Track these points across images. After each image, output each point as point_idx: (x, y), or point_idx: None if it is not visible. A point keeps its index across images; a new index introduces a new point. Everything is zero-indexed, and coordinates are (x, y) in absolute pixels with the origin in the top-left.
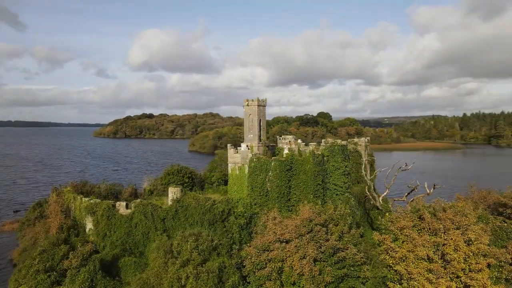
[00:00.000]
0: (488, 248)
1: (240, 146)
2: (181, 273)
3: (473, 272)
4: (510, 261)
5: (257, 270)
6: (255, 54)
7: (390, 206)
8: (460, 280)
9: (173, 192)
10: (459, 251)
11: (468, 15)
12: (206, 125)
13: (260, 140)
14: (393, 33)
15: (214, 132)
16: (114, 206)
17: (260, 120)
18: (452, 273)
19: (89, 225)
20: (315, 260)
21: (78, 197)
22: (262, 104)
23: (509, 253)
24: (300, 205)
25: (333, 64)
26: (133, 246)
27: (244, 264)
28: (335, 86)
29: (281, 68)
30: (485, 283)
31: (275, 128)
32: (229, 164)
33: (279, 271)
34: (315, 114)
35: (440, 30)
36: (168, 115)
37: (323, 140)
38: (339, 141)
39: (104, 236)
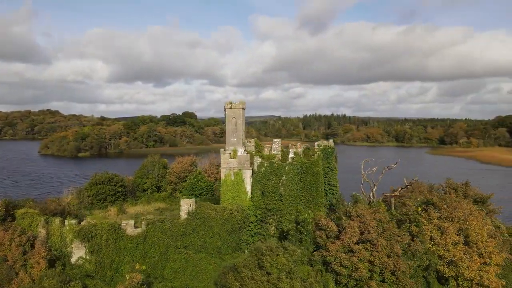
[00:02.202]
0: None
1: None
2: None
3: (490, 252)
4: None
5: (351, 273)
6: (95, 46)
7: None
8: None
9: (188, 204)
10: (479, 234)
11: (299, 28)
12: (45, 124)
13: (243, 144)
14: (238, 37)
15: (74, 133)
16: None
17: (242, 123)
18: (478, 254)
19: (78, 253)
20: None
21: (55, 220)
22: (244, 107)
23: None
24: (310, 207)
25: (181, 63)
26: (150, 269)
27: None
28: (181, 85)
29: (125, 64)
30: (498, 260)
31: (142, 128)
32: (223, 170)
33: (370, 271)
34: (160, 113)
35: (277, 39)
36: None
37: (316, 143)
38: (326, 142)
39: (111, 263)
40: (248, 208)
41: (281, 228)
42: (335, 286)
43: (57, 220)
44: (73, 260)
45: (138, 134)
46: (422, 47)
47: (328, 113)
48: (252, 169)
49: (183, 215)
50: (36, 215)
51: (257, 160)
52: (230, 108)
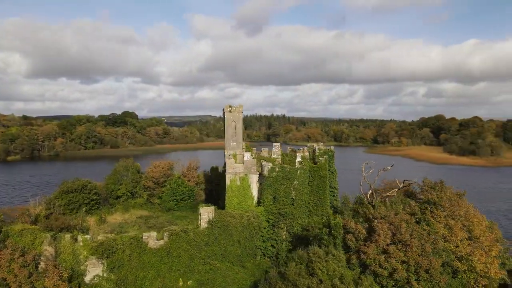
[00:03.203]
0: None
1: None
2: None
3: (491, 246)
4: None
5: (390, 274)
6: (12, 37)
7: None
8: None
9: (208, 213)
10: (481, 229)
11: (236, 29)
12: None
13: (242, 148)
14: (174, 35)
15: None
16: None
17: (241, 127)
18: (481, 248)
19: (94, 271)
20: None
21: (65, 235)
22: (242, 111)
23: None
24: (318, 210)
25: (111, 60)
26: (170, 282)
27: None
28: (111, 83)
29: (47, 58)
30: (496, 252)
31: (80, 128)
32: (228, 175)
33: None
34: (87, 112)
35: (214, 38)
36: None
37: (317, 147)
38: (321, 145)
39: (135, 280)
40: (260, 214)
41: (293, 232)
42: None
43: (68, 236)
44: (87, 279)
45: (76, 135)
46: (351, 51)
47: (264, 113)
48: (260, 174)
49: (204, 224)
50: (38, 231)
51: (268, 165)
52: (230, 111)
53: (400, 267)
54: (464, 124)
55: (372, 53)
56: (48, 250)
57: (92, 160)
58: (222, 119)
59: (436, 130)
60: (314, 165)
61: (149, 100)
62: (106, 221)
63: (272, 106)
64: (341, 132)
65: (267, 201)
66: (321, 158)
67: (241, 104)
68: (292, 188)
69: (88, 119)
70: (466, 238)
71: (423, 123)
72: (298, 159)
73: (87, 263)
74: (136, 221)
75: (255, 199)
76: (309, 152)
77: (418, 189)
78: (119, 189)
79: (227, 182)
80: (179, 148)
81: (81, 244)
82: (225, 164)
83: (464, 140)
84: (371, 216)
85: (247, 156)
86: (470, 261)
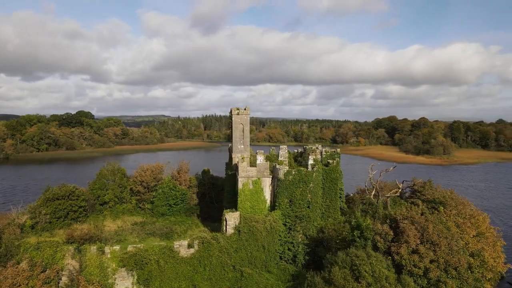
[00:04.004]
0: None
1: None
2: None
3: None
4: None
5: (422, 273)
6: None
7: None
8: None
9: (235, 218)
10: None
11: (191, 28)
12: None
13: (249, 150)
14: (125, 31)
15: None
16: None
17: (248, 130)
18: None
19: (123, 284)
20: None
21: (90, 247)
22: (249, 113)
23: None
24: (330, 212)
25: (56, 55)
26: None
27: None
28: (56, 80)
29: None
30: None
31: (32, 129)
32: (240, 179)
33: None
34: (29, 111)
35: (167, 36)
36: None
37: (323, 150)
38: (319, 147)
39: None
40: (278, 217)
41: (309, 235)
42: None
43: (94, 248)
44: None
45: (27, 136)
46: (304, 53)
47: (218, 113)
48: (273, 177)
49: (230, 229)
50: (58, 243)
51: (284, 168)
52: (238, 114)
53: (432, 266)
54: (416, 125)
55: (324, 55)
56: (71, 263)
57: (48, 162)
58: (229, 121)
59: (391, 130)
60: (326, 168)
61: (99, 99)
62: (102, 230)
63: (227, 106)
64: (301, 133)
65: (283, 204)
66: (331, 161)
67: (248, 107)
68: (308, 191)
69: (39, 119)
70: (474, 235)
71: (378, 123)
72: (310, 161)
73: (115, 276)
74: (132, 228)
75: (268, 202)
76: (304, 154)
77: (410, 190)
78: (106, 195)
79: (240, 186)
80: (140, 150)
81: (109, 256)
82: (227, 167)
83: (417, 140)
84: (399, 217)
85: (260, 159)
86: (481, 256)
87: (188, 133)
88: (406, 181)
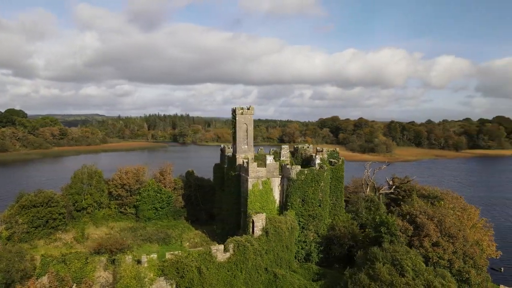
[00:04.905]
0: None
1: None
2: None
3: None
4: None
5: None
6: None
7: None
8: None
9: (262, 220)
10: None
11: (128, 23)
12: None
13: (253, 151)
14: (52, 23)
15: None
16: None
17: (252, 130)
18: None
19: None
20: None
21: (125, 257)
22: (253, 113)
23: None
24: (336, 209)
25: None
26: None
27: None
28: None
29: None
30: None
31: None
32: (250, 180)
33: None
34: None
35: (101, 31)
36: None
37: (323, 150)
38: (306, 145)
39: None
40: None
41: (320, 233)
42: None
43: (130, 257)
44: None
45: None
46: (245, 53)
47: (155, 112)
48: (284, 177)
49: (258, 231)
50: (85, 255)
51: (296, 168)
52: (242, 113)
53: (454, 257)
54: (358, 125)
55: (265, 55)
56: (104, 276)
57: None
58: (232, 121)
59: (335, 130)
60: (332, 167)
61: (23, 95)
62: (88, 237)
63: (166, 105)
64: None
65: (295, 203)
66: (335, 160)
67: (252, 107)
68: (319, 190)
69: None
70: (470, 227)
71: (322, 123)
72: (318, 161)
73: (153, 286)
74: (123, 234)
75: (277, 202)
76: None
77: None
78: (84, 200)
79: (249, 186)
80: (82, 151)
81: (146, 265)
82: (227, 166)
83: (360, 139)
84: (416, 213)
85: (270, 159)
86: (481, 246)
87: (131, 133)
88: (396, 178)
